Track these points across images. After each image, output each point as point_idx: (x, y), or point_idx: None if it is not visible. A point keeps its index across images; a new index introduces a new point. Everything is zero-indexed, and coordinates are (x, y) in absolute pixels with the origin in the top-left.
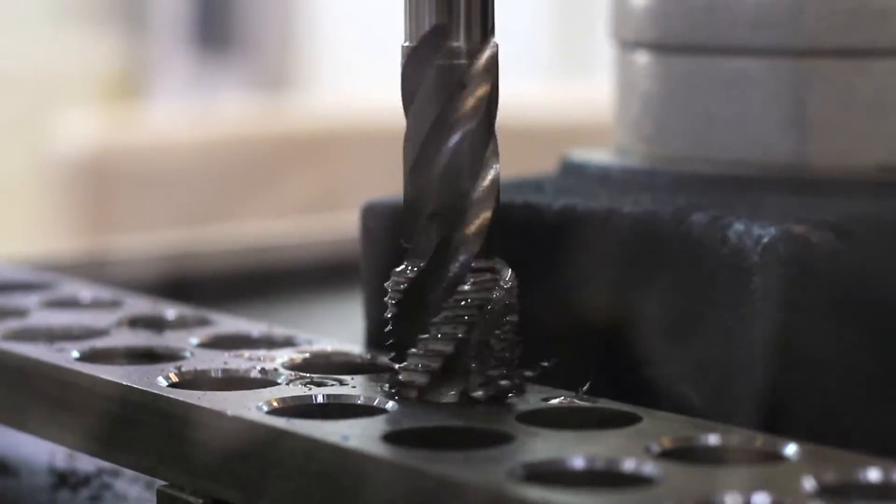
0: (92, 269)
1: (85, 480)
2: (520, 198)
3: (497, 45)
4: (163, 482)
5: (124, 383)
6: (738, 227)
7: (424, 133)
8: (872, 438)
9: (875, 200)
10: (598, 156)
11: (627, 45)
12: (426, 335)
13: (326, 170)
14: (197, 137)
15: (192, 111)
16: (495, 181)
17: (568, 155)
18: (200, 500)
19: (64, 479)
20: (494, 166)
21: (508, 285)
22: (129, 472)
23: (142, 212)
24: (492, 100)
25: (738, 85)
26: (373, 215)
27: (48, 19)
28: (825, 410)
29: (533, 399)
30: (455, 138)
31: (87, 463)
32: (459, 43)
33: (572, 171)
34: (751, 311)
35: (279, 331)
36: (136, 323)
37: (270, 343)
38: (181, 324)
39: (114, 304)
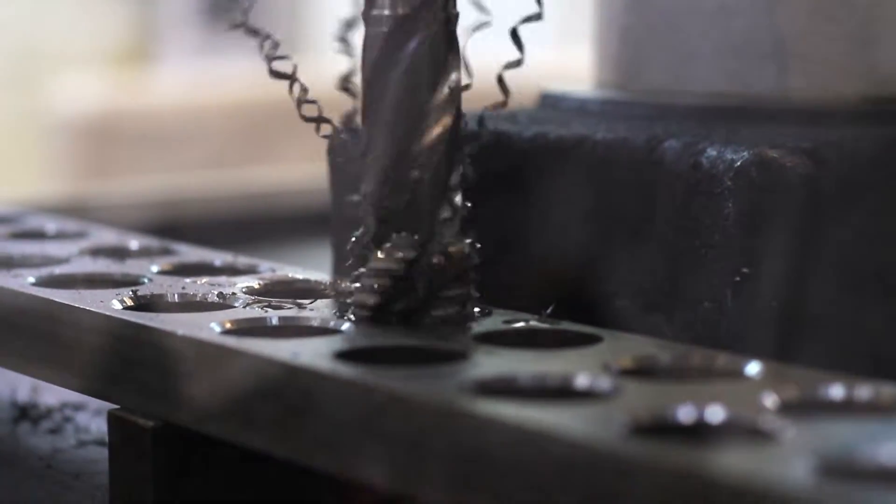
0: (83, 213)
1: (47, 413)
2: (491, 127)
3: None
4: (114, 406)
5: (76, 305)
6: (711, 152)
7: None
8: (847, 357)
9: (855, 129)
10: (577, 89)
11: None
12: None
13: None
14: (198, 102)
15: (196, 78)
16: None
17: (546, 89)
18: (150, 423)
19: (25, 413)
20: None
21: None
22: (92, 405)
23: (139, 170)
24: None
25: (719, 16)
26: (339, 152)
27: None
28: (798, 333)
29: (494, 321)
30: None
31: (49, 396)
32: None
33: (550, 104)
34: (724, 236)
35: (242, 259)
36: (98, 252)
37: (233, 271)
38: (144, 253)
39: (78, 236)
